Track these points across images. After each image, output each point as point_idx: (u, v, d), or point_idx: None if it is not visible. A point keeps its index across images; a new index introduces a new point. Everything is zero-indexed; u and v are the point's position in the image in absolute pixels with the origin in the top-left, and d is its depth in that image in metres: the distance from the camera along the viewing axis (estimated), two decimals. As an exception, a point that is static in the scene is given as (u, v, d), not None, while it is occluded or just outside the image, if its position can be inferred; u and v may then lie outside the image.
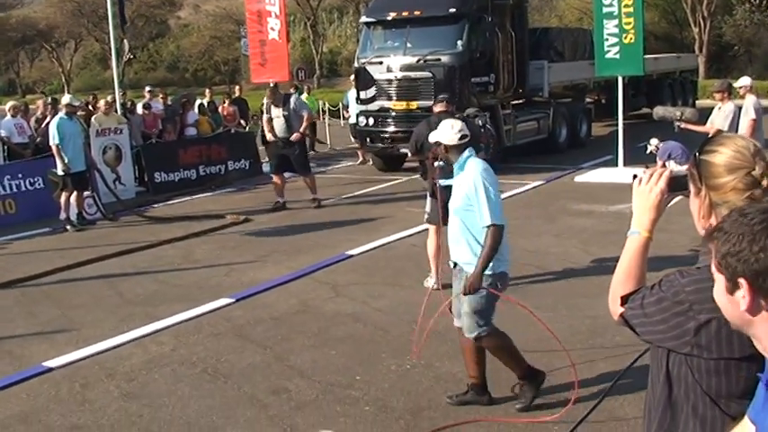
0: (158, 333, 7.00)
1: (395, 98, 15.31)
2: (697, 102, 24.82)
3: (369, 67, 15.61)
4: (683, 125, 9.82)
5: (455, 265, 5.20)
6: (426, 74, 14.90)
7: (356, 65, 16.31)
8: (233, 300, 7.85)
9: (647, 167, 2.30)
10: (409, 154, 10.50)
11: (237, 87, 22.93)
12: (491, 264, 4.92)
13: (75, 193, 12.00)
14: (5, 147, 13.91)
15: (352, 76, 17.34)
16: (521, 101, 17.26)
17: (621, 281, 2.16)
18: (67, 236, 11.63)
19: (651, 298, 2.01)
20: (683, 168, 2.16)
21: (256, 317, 7.30)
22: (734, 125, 9.85)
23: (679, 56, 27.34)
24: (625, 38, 13.98)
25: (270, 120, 12.58)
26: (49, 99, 16.20)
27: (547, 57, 17.67)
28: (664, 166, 9.12)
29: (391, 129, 15.41)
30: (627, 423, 4.81)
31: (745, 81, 10.83)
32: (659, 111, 10.44)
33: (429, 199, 7.90)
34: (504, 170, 14.33)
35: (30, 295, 8.52)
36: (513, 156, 16.14)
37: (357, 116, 16.29)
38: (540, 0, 46.86)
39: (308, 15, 50.26)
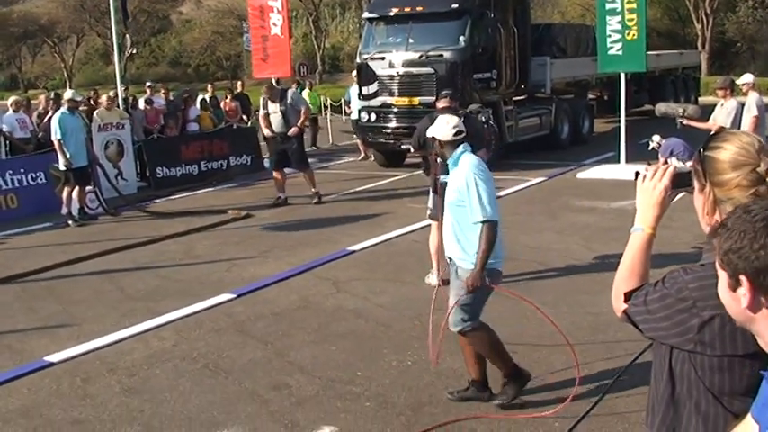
0: (159, 328, 7.01)
1: (397, 94, 15.30)
2: (699, 99, 24.77)
3: (371, 63, 15.59)
4: (685, 122, 9.81)
5: (450, 260, 5.21)
6: (428, 70, 14.89)
7: (358, 61, 16.29)
8: (234, 295, 7.85)
9: (649, 164, 2.30)
10: (412, 150, 10.49)
11: (239, 83, 22.91)
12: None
13: (76, 188, 12.00)
14: (7, 142, 13.91)
15: (354, 72, 17.33)
16: (523, 97, 17.24)
17: (625, 277, 2.15)
18: (69, 231, 11.64)
19: (655, 295, 2.00)
20: (687, 165, 2.15)
21: (257, 312, 7.31)
22: (736, 122, 9.84)
23: (682, 52, 27.28)
24: (628, 34, 13.95)
25: (266, 115, 12.56)
26: (51, 94, 16.22)
27: (549, 53, 17.64)
28: (666, 162, 9.10)
29: (393, 125, 15.40)
30: (628, 419, 4.81)
31: (747, 78, 10.81)
32: (662, 107, 10.43)
33: (431, 195, 7.89)
34: (507, 166, 14.38)
35: (31, 290, 8.52)
36: (516, 152, 16.13)
37: (359, 112, 16.28)
38: (543, -4, 46.79)
39: (310, 11, 50.22)
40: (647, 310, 2.01)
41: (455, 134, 5.18)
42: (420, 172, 11.97)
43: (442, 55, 14.85)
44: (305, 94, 19.79)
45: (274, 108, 12.41)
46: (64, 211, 11.98)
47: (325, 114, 22.67)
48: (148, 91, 17.46)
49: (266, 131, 12.68)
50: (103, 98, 15.23)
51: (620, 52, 14.15)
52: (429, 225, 8.14)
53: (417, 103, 14.92)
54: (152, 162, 15.06)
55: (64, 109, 12.08)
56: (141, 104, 16.69)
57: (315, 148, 20.15)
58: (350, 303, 7.48)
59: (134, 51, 43.52)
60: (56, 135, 11.71)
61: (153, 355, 6.36)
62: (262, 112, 12.75)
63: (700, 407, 1.95)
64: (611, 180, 13.24)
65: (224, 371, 5.95)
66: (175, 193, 14.38)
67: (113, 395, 5.60)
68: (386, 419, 5.04)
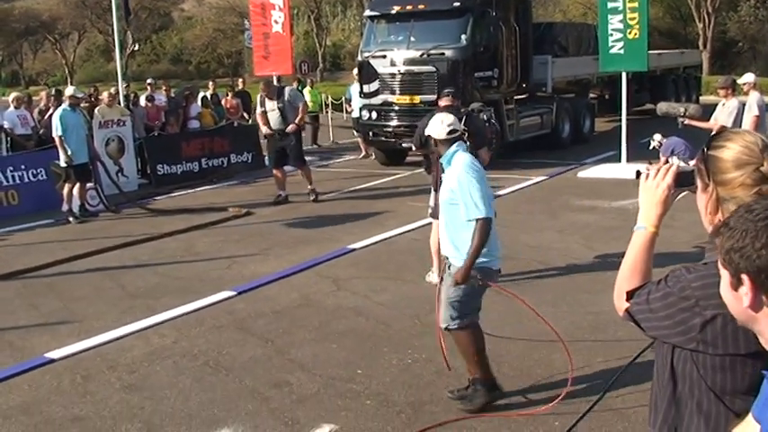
0: (160, 325, 7.01)
1: (398, 92, 15.29)
2: (701, 98, 24.76)
3: (372, 61, 15.59)
4: (686, 121, 9.80)
5: (446, 258, 5.22)
6: (430, 68, 14.88)
7: (359, 58, 16.28)
8: (234, 293, 7.85)
9: (650, 163, 2.29)
10: (413, 148, 10.49)
11: (241, 80, 22.92)
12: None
13: (77, 184, 12.01)
14: (9, 138, 13.91)
15: (356, 70, 17.33)
16: (524, 96, 17.22)
17: (627, 276, 2.15)
18: (70, 228, 11.64)
19: (657, 293, 2.00)
20: (690, 164, 2.15)
21: (258, 310, 7.31)
22: (737, 122, 9.84)
23: (683, 52, 27.26)
24: (629, 33, 13.94)
25: (263, 113, 12.54)
26: (52, 91, 16.22)
27: (551, 52, 17.63)
28: (667, 161, 9.10)
29: (394, 123, 15.39)
30: (628, 418, 4.81)
31: (748, 78, 10.80)
32: (663, 107, 10.41)
33: (433, 193, 7.89)
34: (507, 165, 14.38)
35: (31, 287, 8.52)
36: (516, 151, 16.13)
37: (360, 110, 16.28)
38: (545, -5, 46.75)
39: (311, 8, 50.20)
40: (650, 309, 2.01)
41: (449, 133, 5.19)
42: (421, 170, 11.98)
43: (443, 53, 14.84)
44: (306, 91, 19.80)
45: (272, 105, 12.40)
46: (65, 207, 11.98)
47: (327, 112, 22.66)
48: (149, 88, 17.46)
49: (264, 129, 12.67)
50: (105, 95, 15.23)
51: (621, 51, 14.14)
52: (430, 223, 8.14)
53: (418, 102, 14.91)
54: (153, 159, 15.06)
55: (65, 105, 12.09)
56: (142, 101, 16.69)
57: (316, 146, 20.15)
58: (350, 301, 7.48)
59: (135, 48, 43.55)
60: (57, 132, 11.71)
61: (153, 352, 6.36)
62: (259, 109, 12.73)
63: (701, 406, 1.95)
64: (611, 179, 13.24)
65: (224, 368, 5.95)
66: (176, 191, 14.39)
67: (114, 392, 5.60)
68: (386, 418, 5.04)
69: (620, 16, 13.98)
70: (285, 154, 12.58)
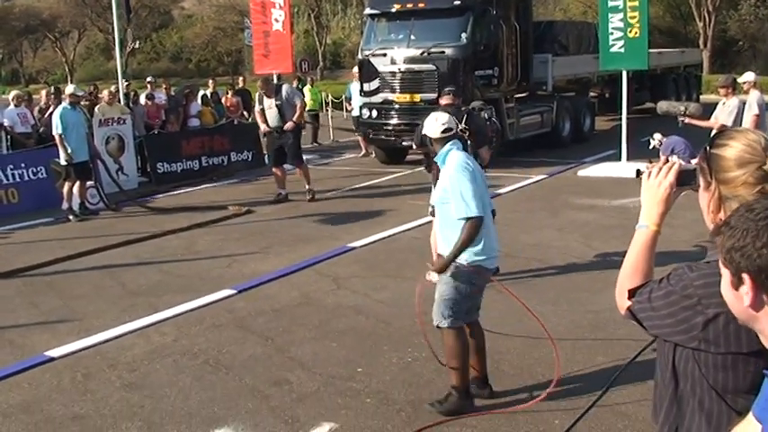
0: (160, 324, 7.01)
1: (398, 91, 15.28)
2: (701, 97, 24.75)
3: (372, 60, 15.58)
4: (686, 120, 9.80)
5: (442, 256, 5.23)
6: (430, 66, 14.87)
7: (360, 57, 16.28)
8: (235, 291, 7.85)
9: (650, 162, 2.29)
10: (413, 146, 10.49)
11: (241, 78, 22.91)
12: (470, 254, 4.92)
13: (77, 182, 12.01)
14: (9, 136, 13.90)
15: (356, 68, 17.32)
16: (524, 94, 17.22)
17: (629, 274, 2.15)
18: (70, 226, 11.64)
19: (659, 292, 2.00)
20: (693, 163, 2.15)
21: (258, 308, 7.31)
22: (738, 121, 9.84)
23: (683, 50, 27.25)
24: (630, 32, 13.93)
25: (262, 111, 12.53)
26: (52, 89, 16.21)
27: (551, 50, 17.62)
28: (667, 161, 9.10)
29: (394, 121, 15.39)
30: (628, 417, 4.81)
31: (749, 76, 10.81)
32: (663, 105, 10.42)
33: (433, 191, 7.89)
34: (507, 164, 14.38)
35: (32, 285, 8.53)
36: (517, 149, 16.12)
37: (360, 108, 16.27)
38: (545, -7, 46.71)
39: (311, 7, 50.18)
40: (652, 308, 2.00)
41: (443, 131, 5.19)
42: (421, 169, 11.98)
43: (443, 52, 14.84)
44: (306, 90, 19.79)
45: (269, 103, 12.38)
46: (65, 205, 11.98)
47: (327, 111, 22.66)
48: (149, 86, 17.45)
49: (263, 126, 12.67)
50: (105, 93, 15.22)
51: (621, 50, 14.13)
52: (430, 221, 8.12)
53: (419, 100, 14.91)
54: (153, 157, 15.05)
55: (65, 104, 12.09)
56: (142, 100, 16.68)
57: (316, 144, 20.15)
58: (350, 300, 7.48)
59: (136, 46, 43.54)
60: (57, 130, 11.71)
61: (153, 350, 6.36)
62: (258, 107, 12.73)
63: (703, 404, 1.95)
64: (611, 178, 13.23)
65: (224, 367, 5.95)
66: (176, 189, 14.38)
67: (114, 390, 5.61)
68: (386, 416, 5.04)
69: (621, 15, 13.97)
70: (284, 152, 12.56)
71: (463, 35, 14.95)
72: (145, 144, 15.19)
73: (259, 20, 16.57)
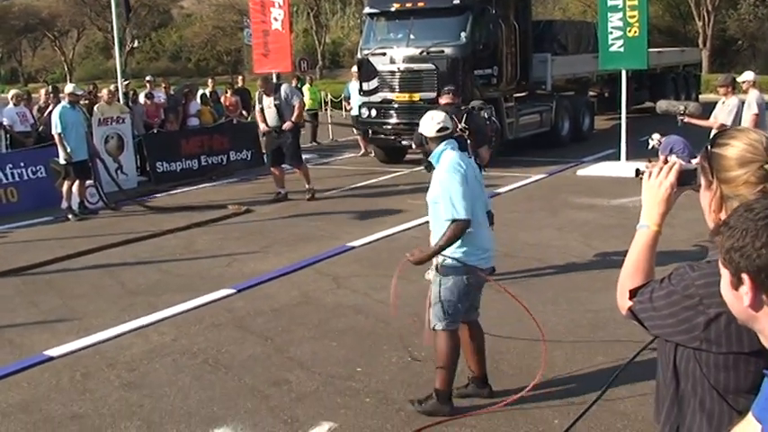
0: (159, 323, 7.00)
1: (397, 90, 15.27)
2: (700, 96, 24.76)
3: (372, 59, 15.57)
4: (686, 119, 9.79)
5: None
6: (429, 66, 14.86)
7: (359, 56, 16.27)
8: (234, 290, 7.85)
9: (650, 162, 2.29)
10: (413, 146, 10.48)
11: (240, 77, 22.88)
12: (462, 255, 4.90)
13: (77, 182, 12.00)
14: (8, 135, 13.89)
15: (355, 68, 17.32)
16: (524, 94, 17.22)
17: (630, 274, 2.15)
18: (69, 225, 11.63)
19: (660, 291, 1.99)
20: (693, 162, 2.15)
21: (257, 308, 7.30)
22: (737, 120, 9.84)
23: (683, 50, 27.25)
24: (629, 31, 13.93)
25: (261, 110, 12.51)
26: (50, 88, 16.20)
27: (550, 49, 17.62)
28: (666, 160, 9.10)
29: (394, 120, 15.39)
30: (627, 416, 4.80)
31: (748, 76, 10.81)
32: (662, 105, 10.41)
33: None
34: (507, 163, 14.38)
35: (31, 284, 8.52)
36: (516, 149, 16.12)
37: (359, 107, 16.26)
38: (544, -8, 46.72)
39: (311, 6, 50.20)
40: (653, 308, 2.00)
41: (438, 130, 5.18)
42: (421, 168, 11.96)
43: (443, 51, 14.83)
44: (305, 89, 19.78)
45: (269, 102, 12.36)
46: (64, 205, 11.98)
47: (326, 110, 22.64)
48: (149, 85, 17.44)
49: (261, 126, 12.66)
50: (104, 92, 15.21)
51: (621, 49, 14.13)
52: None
53: (418, 99, 14.90)
54: (152, 156, 15.04)
55: (64, 103, 12.08)
56: (142, 99, 16.67)
57: (315, 143, 20.14)
58: (350, 299, 7.48)
59: (135, 45, 43.51)
60: (56, 129, 11.70)
61: (153, 349, 6.36)
62: (257, 106, 12.72)
63: (704, 404, 1.95)
64: (611, 177, 13.24)
65: (224, 366, 5.95)
66: (175, 188, 14.38)
67: (113, 390, 5.60)
68: (386, 415, 5.04)
69: (620, 14, 13.97)
70: (282, 152, 12.54)
71: (462, 34, 14.94)
72: (144, 143, 15.18)
73: (258, 19, 16.57)
